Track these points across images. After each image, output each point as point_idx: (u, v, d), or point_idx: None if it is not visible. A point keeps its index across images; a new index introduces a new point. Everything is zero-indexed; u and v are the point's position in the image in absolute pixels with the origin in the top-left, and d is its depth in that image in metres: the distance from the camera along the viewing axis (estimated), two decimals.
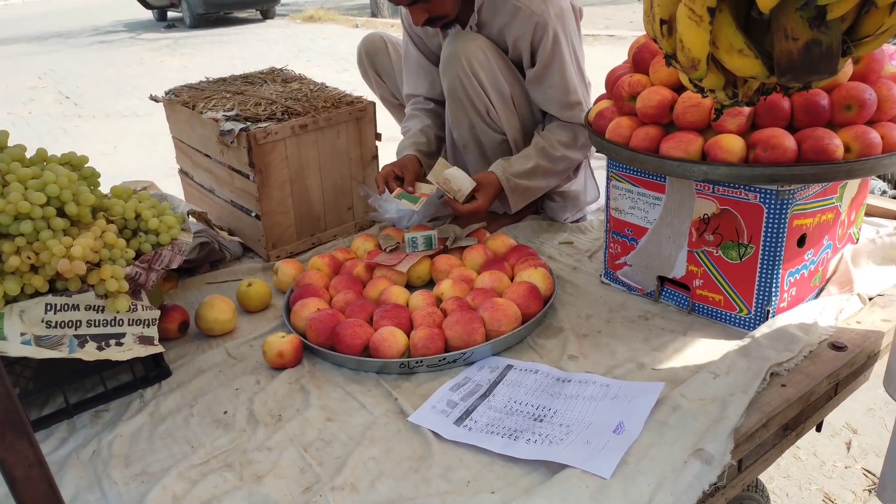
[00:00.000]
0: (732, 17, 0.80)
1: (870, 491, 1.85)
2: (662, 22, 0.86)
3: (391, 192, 1.79)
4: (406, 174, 1.82)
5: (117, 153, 5.08)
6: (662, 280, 1.50)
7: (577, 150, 1.84)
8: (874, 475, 1.90)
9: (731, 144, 1.24)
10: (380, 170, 1.88)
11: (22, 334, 1.15)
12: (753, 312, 1.36)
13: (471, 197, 1.73)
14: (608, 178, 1.52)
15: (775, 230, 1.28)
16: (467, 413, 1.20)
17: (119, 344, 1.24)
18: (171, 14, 14.02)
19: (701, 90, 0.90)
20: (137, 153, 5.05)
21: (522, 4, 1.68)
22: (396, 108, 2.28)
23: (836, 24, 0.73)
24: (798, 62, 0.75)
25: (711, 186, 1.33)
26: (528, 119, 1.86)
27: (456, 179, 1.71)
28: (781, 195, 1.25)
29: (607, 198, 1.54)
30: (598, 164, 2.04)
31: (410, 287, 1.62)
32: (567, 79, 1.76)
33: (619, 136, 1.39)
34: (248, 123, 1.73)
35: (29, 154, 1.26)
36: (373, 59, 2.14)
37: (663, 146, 1.31)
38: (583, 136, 1.82)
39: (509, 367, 1.33)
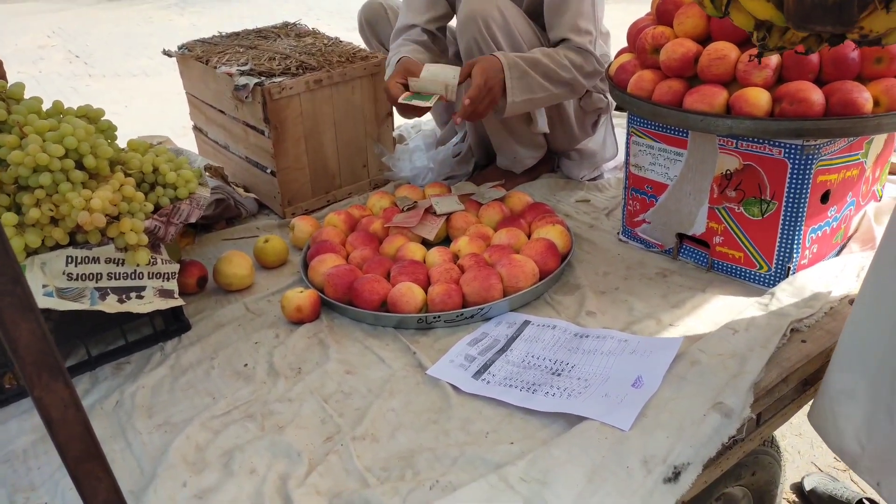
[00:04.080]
0: None
1: None
2: None
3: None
4: (407, 75, 1.67)
5: (129, 112, 5.05)
6: (681, 237, 1.49)
7: (584, 76, 1.72)
8: None
9: (757, 98, 1.21)
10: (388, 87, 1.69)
11: (44, 286, 1.16)
12: (774, 269, 1.35)
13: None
14: (628, 134, 1.50)
15: (799, 186, 1.26)
16: (485, 367, 1.21)
17: (139, 297, 1.25)
18: None
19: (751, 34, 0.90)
20: (149, 112, 5.02)
21: None
22: None
23: None
24: (793, 10, 0.76)
25: (735, 141, 1.30)
26: None
27: (437, 75, 1.58)
28: (806, 150, 1.23)
29: (627, 154, 1.52)
30: (618, 121, 2.01)
31: (427, 243, 1.62)
32: (583, 4, 1.68)
33: (642, 89, 1.37)
34: (263, 78, 1.71)
35: (44, 107, 1.26)
36: (374, 27, 2.08)
37: (687, 100, 1.28)
38: (591, 65, 1.72)
39: (527, 322, 1.33)
